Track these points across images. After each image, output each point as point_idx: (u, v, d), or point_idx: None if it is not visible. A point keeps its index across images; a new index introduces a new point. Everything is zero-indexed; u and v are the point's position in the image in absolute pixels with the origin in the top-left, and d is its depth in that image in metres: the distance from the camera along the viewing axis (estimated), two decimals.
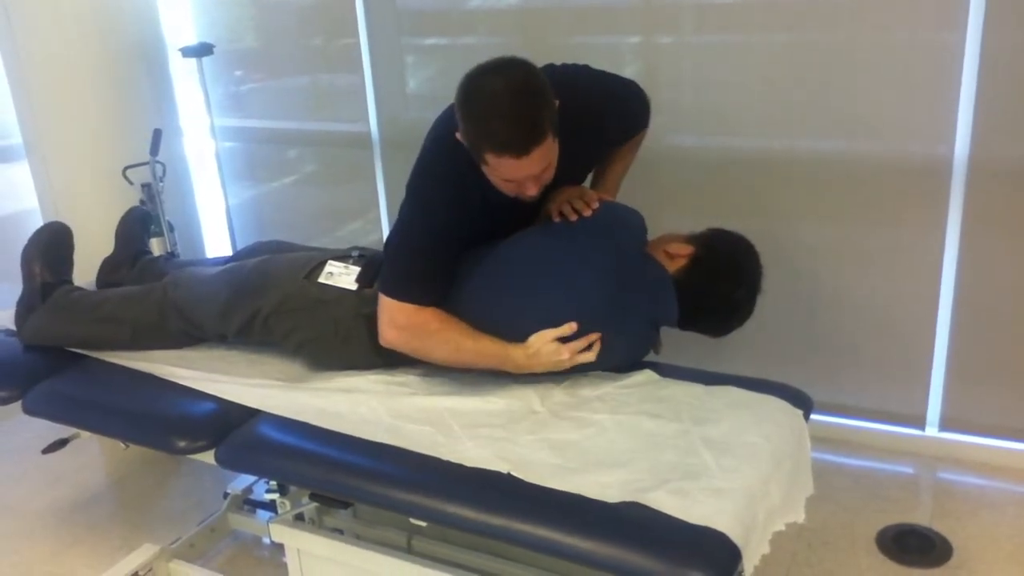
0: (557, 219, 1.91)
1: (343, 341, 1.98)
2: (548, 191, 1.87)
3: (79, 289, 2.34)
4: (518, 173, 1.69)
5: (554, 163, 1.73)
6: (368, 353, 1.96)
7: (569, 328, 1.78)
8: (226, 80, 3.34)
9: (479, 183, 1.77)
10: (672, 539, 1.42)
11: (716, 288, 1.88)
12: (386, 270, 1.88)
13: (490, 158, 1.66)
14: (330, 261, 2.03)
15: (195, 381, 2.03)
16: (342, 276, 1.99)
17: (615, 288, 1.83)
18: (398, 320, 1.84)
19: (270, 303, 2.01)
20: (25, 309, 2.29)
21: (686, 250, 1.89)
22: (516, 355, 1.80)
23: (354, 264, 2.01)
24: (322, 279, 2.00)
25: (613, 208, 1.96)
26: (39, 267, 2.32)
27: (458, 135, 1.72)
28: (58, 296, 2.27)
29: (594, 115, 1.89)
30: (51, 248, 2.36)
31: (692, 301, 1.86)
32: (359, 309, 1.95)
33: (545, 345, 1.79)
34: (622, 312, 1.84)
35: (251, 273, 2.10)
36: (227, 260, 2.36)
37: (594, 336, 1.80)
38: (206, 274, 2.19)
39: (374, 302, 1.92)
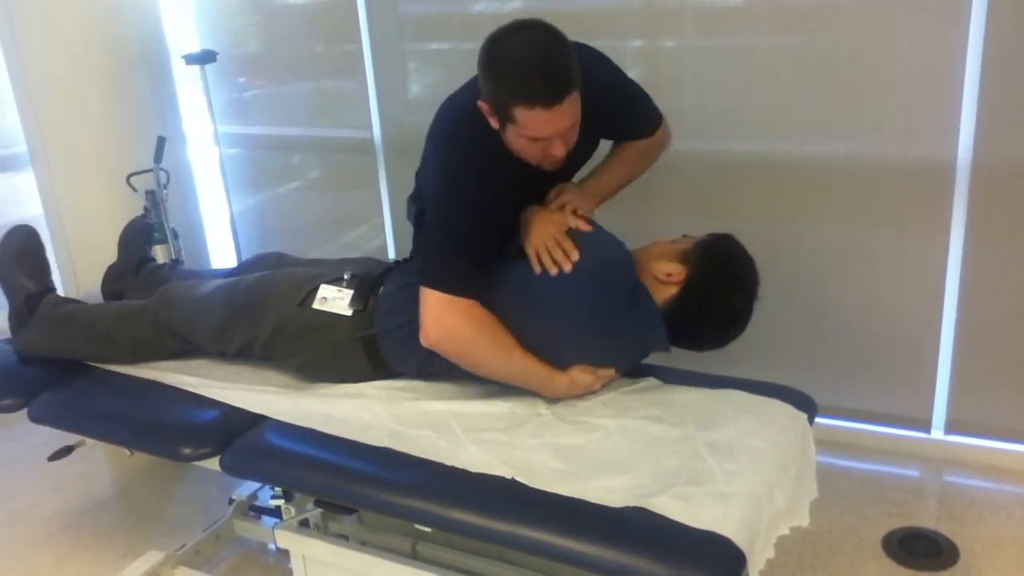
0: (537, 269, 1.79)
1: (340, 363, 1.97)
2: (552, 181, 1.85)
3: (68, 302, 2.30)
4: (548, 128, 1.66)
5: (579, 122, 1.70)
6: (365, 372, 1.97)
7: (608, 375, 1.86)
8: (229, 87, 3.35)
9: (499, 159, 1.76)
10: (677, 544, 1.42)
11: (706, 317, 1.84)
12: (431, 260, 1.80)
13: (520, 113, 1.63)
14: (323, 285, 1.99)
15: (200, 387, 2.03)
16: (336, 301, 1.97)
17: (611, 328, 1.81)
18: (448, 318, 1.75)
19: (266, 330, 2.00)
20: (16, 324, 2.27)
21: (677, 275, 1.81)
22: (560, 380, 1.81)
23: (347, 287, 1.98)
24: (316, 305, 1.97)
25: (595, 251, 1.81)
26: (17, 279, 2.28)
27: (480, 103, 1.70)
28: (46, 309, 2.24)
29: (598, 101, 1.80)
30: (24, 255, 2.31)
31: (683, 327, 1.82)
32: (354, 333, 1.94)
33: (583, 376, 1.82)
34: (617, 348, 1.86)
35: (245, 297, 2.07)
36: (229, 273, 2.35)
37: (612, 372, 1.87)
38: (199, 294, 2.15)
39: (368, 325, 1.92)
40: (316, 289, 1.99)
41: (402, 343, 1.91)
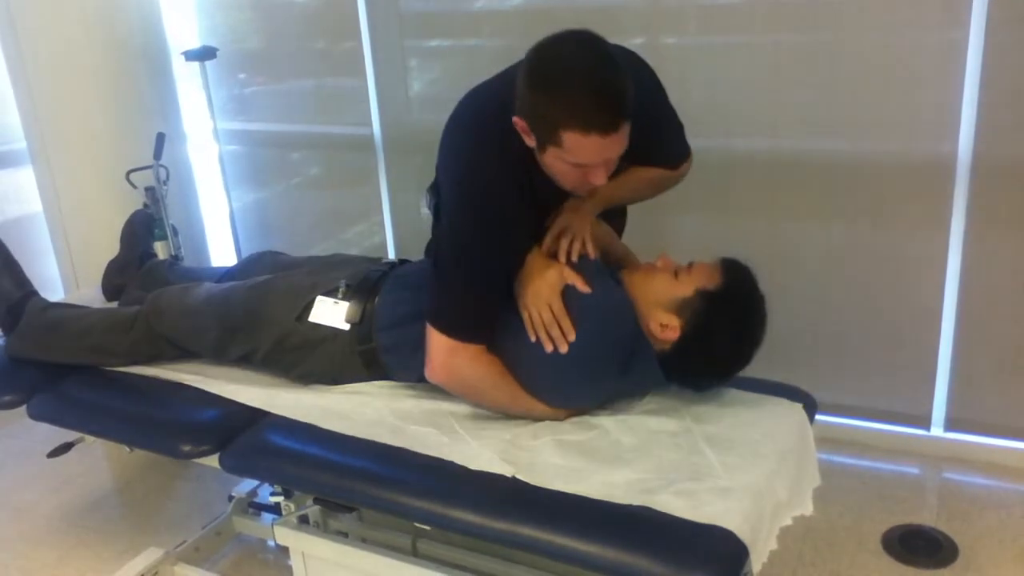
0: (532, 336, 1.69)
1: (340, 373, 1.95)
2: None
3: (52, 307, 2.27)
4: (598, 155, 1.53)
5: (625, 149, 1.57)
6: (365, 379, 1.96)
7: None
8: (229, 83, 3.34)
9: (528, 182, 1.65)
10: (679, 539, 1.42)
11: (700, 369, 1.77)
12: (440, 298, 1.72)
13: (570, 137, 1.49)
14: (319, 297, 1.95)
15: (200, 383, 2.03)
16: (332, 314, 1.93)
17: (609, 391, 1.79)
18: (456, 363, 1.71)
19: (265, 345, 1.98)
20: (5, 327, 2.26)
21: (673, 330, 1.68)
22: (560, 414, 1.78)
23: (343, 298, 1.93)
24: (313, 318, 1.93)
25: (593, 323, 1.69)
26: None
27: (516, 119, 1.56)
28: (31, 315, 2.21)
29: (637, 116, 1.58)
30: None
31: (678, 374, 1.77)
32: (353, 347, 1.91)
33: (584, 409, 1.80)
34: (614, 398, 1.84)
35: (240, 310, 2.02)
36: (225, 272, 2.34)
37: None
38: (191, 305, 2.10)
39: (367, 338, 1.90)
40: (312, 302, 1.96)
41: (402, 359, 1.89)
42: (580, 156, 1.53)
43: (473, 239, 1.68)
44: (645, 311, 1.71)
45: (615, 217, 2.03)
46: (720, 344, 1.71)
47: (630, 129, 1.54)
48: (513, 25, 2.80)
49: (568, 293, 1.70)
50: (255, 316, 2.00)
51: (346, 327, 1.92)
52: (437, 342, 1.71)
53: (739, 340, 1.71)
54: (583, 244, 1.79)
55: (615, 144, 1.51)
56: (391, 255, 3.23)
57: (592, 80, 1.47)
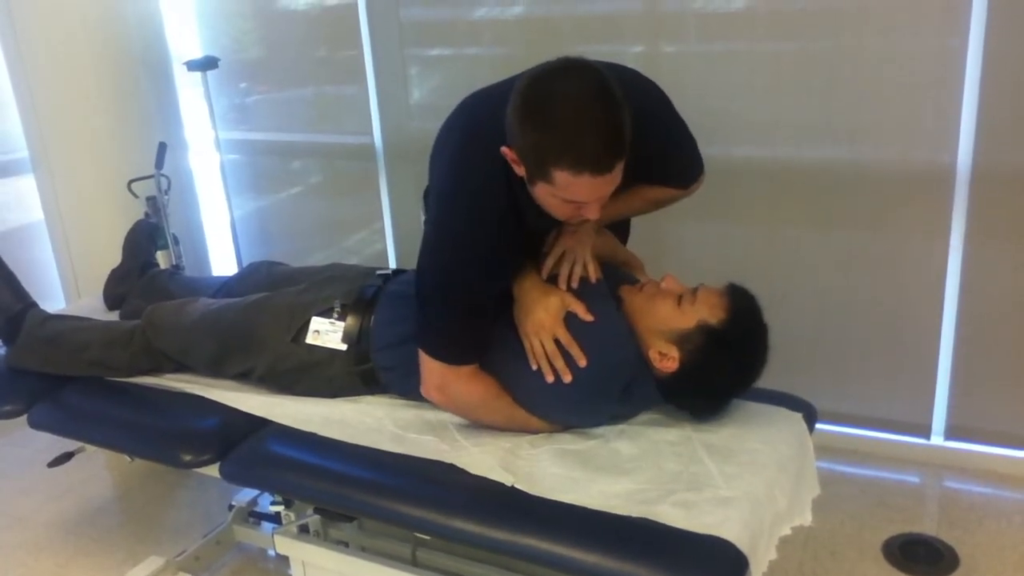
0: (533, 365, 1.68)
1: (339, 391, 1.95)
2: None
3: (52, 319, 2.27)
4: (591, 193, 1.47)
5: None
6: (364, 394, 1.96)
7: None
8: (230, 92, 3.35)
9: (518, 206, 1.61)
10: (678, 549, 1.42)
11: (699, 399, 1.76)
12: (429, 323, 1.70)
13: (561, 176, 1.43)
14: (314, 318, 1.94)
15: (202, 390, 2.03)
16: (328, 335, 1.92)
17: (606, 420, 1.78)
18: (450, 387, 1.72)
19: (261, 366, 1.98)
20: (5, 340, 2.26)
21: (672, 360, 1.66)
22: (559, 429, 1.77)
23: (338, 319, 1.92)
24: (309, 339, 1.93)
25: (594, 355, 1.67)
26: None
27: (505, 150, 1.50)
28: (31, 327, 2.22)
29: (642, 139, 1.51)
30: None
31: (676, 399, 1.77)
32: (350, 367, 1.91)
33: None
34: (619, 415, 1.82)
35: (235, 330, 2.02)
36: (223, 283, 2.35)
37: None
38: (188, 322, 2.10)
39: (364, 359, 1.90)
40: (307, 323, 1.94)
41: (400, 378, 1.89)
42: (571, 194, 1.48)
43: (462, 278, 1.64)
44: (645, 337, 1.70)
45: (618, 226, 2.03)
46: (718, 380, 1.71)
47: (639, 147, 1.48)
48: (513, 34, 2.81)
49: (570, 321, 1.69)
50: (250, 337, 2.00)
51: (343, 347, 1.91)
52: (428, 364, 1.72)
53: (737, 377, 1.72)
54: (584, 267, 1.78)
55: (608, 183, 1.46)
56: (392, 263, 3.24)
57: (585, 119, 1.40)
